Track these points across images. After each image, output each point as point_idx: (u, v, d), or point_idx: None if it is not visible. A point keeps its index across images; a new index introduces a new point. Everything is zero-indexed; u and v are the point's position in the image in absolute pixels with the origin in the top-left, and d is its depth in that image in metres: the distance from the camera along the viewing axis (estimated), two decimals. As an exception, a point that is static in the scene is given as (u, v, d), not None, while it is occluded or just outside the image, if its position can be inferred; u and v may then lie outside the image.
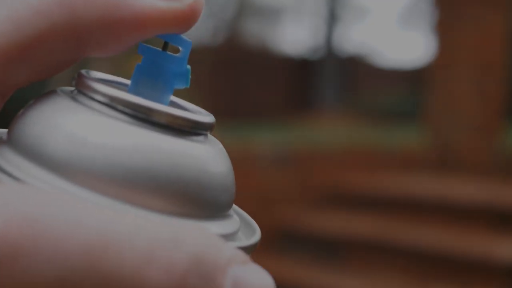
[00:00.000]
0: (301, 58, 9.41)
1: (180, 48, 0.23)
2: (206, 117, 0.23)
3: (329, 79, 9.37)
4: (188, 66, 0.23)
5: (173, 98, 0.25)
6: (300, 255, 3.04)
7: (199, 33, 10.31)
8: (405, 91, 7.82)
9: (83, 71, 0.22)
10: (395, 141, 3.99)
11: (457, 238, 2.68)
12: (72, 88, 0.23)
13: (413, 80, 8.43)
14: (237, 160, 3.12)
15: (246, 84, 8.27)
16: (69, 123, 0.21)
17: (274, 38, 11.30)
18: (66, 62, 0.23)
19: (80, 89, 0.22)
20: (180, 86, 0.23)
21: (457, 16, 3.59)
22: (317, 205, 3.28)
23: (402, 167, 3.58)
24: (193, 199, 0.21)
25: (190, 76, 0.23)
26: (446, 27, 3.67)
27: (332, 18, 10.51)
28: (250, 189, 3.13)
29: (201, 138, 0.22)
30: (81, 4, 0.21)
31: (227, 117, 6.60)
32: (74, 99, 0.22)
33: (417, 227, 2.83)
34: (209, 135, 0.23)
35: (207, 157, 0.21)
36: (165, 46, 0.23)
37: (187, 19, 0.22)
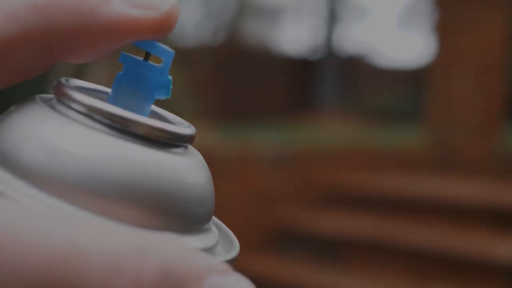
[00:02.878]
0: (301, 58, 9.41)
1: (162, 58, 0.22)
2: (186, 128, 0.22)
3: (329, 79, 9.37)
4: (170, 77, 0.23)
5: (155, 108, 0.24)
6: (299, 255, 3.04)
7: (199, 33, 10.31)
8: (405, 91, 7.82)
9: (63, 79, 0.22)
10: (395, 141, 3.99)
11: (457, 238, 2.68)
12: (52, 96, 0.22)
13: (413, 80, 8.43)
14: (237, 160, 3.12)
15: (246, 84, 8.26)
16: (44, 132, 0.20)
17: (274, 38, 11.30)
18: (38, 67, 0.22)
19: (59, 97, 0.21)
20: (161, 96, 0.23)
21: (457, 16, 3.59)
22: (317, 205, 3.28)
23: (402, 167, 3.58)
24: (167, 212, 0.20)
25: (171, 87, 0.23)
26: (446, 27, 3.67)
27: (332, 18, 10.51)
28: (250, 189, 3.13)
29: (180, 150, 0.22)
30: (53, 10, 0.21)
31: (227, 117, 6.59)
32: (52, 107, 0.21)
33: (417, 227, 2.83)
34: (189, 147, 0.23)
35: (184, 170, 0.21)
36: (146, 56, 0.22)
37: (162, 27, 0.21)
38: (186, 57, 5.60)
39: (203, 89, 5.58)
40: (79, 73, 3.63)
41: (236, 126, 4.79)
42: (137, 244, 0.18)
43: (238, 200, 3.08)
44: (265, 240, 3.13)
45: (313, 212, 3.20)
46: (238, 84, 8.16)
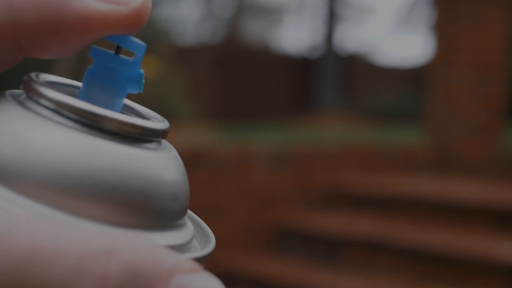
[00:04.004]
0: (301, 57, 9.41)
1: (134, 52, 0.22)
2: (158, 123, 0.22)
3: (329, 78, 9.37)
4: (142, 70, 0.22)
5: (128, 102, 0.24)
6: (299, 255, 3.04)
7: (199, 32, 10.31)
8: (405, 90, 7.82)
9: (33, 74, 0.22)
10: (395, 141, 3.99)
11: (457, 238, 2.67)
12: (21, 92, 0.22)
13: (413, 79, 8.42)
14: (237, 160, 3.11)
15: (246, 84, 8.26)
16: (10, 128, 0.20)
17: (274, 37, 11.30)
18: (6, 62, 0.22)
19: (28, 93, 0.21)
20: (133, 91, 0.22)
21: (457, 16, 3.59)
22: (317, 205, 3.27)
23: (402, 167, 3.58)
24: (138, 209, 0.20)
25: (143, 81, 0.22)
26: (445, 26, 3.67)
27: (332, 18, 10.51)
28: (250, 189, 3.13)
29: (152, 145, 0.21)
30: (21, 4, 0.20)
31: (227, 117, 6.59)
32: (20, 103, 0.21)
33: (417, 227, 2.83)
34: (163, 141, 0.22)
35: (155, 165, 0.20)
36: (118, 50, 0.22)
37: (132, 23, 0.21)
38: (186, 56, 5.60)
39: (203, 88, 5.57)
40: (78, 68, 3.63)
41: (236, 126, 4.79)
42: (103, 244, 0.17)
43: (238, 200, 3.08)
44: (265, 240, 3.13)
45: (313, 212, 3.20)
46: (238, 84, 8.15)
